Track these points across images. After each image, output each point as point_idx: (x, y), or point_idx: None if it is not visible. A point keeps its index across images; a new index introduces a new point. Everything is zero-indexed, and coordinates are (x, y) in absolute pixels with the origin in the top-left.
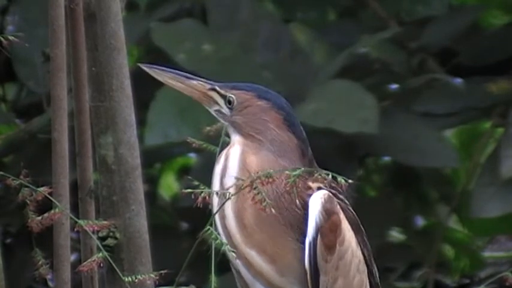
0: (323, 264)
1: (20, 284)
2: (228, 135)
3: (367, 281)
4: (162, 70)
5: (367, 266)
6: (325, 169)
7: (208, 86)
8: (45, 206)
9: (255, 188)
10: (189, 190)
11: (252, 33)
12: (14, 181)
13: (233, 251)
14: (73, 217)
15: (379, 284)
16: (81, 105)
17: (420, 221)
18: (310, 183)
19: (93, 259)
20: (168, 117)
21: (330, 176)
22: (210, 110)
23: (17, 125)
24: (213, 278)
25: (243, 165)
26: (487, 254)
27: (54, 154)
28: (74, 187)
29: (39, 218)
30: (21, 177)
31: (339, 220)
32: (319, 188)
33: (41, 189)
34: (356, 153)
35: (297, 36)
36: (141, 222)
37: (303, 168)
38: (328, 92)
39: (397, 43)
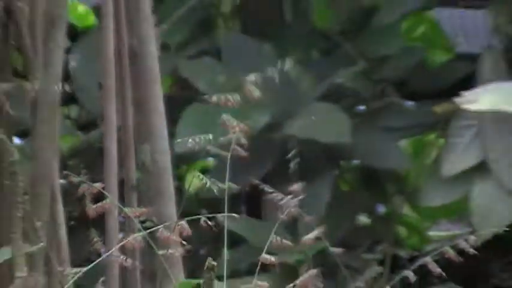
0: None
1: (81, 256)
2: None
3: None
4: None
5: None
6: (310, 170)
7: None
8: (99, 197)
9: None
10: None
11: (255, 67)
12: (76, 178)
13: None
14: (120, 206)
15: None
16: (126, 122)
17: (381, 209)
18: None
19: (134, 237)
20: (192, 131)
21: None
22: None
23: (79, 137)
24: (225, 251)
25: None
26: (431, 233)
27: (106, 158)
28: (121, 183)
29: (95, 206)
30: (81, 175)
31: None
32: None
33: (96, 184)
34: (333, 158)
35: (289, 70)
36: (171, 210)
37: None
38: (313, 112)
39: (364, 75)
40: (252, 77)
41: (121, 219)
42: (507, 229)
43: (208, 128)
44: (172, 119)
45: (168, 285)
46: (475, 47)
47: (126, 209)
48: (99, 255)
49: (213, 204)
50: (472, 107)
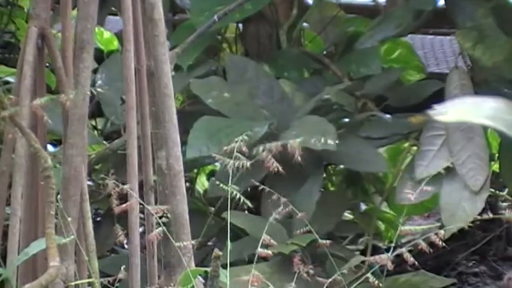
0: None
1: (106, 247)
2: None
3: None
4: None
5: None
6: (302, 173)
7: None
8: (122, 197)
9: None
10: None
11: (255, 85)
12: (102, 181)
13: None
14: (142, 201)
15: None
16: (145, 132)
17: (363, 206)
18: None
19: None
20: (201, 140)
21: None
22: None
23: (104, 145)
24: (229, 243)
25: None
26: (406, 227)
27: (128, 164)
28: (141, 185)
29: (122, 205)
30: (107, 178)
31: None
32: None
33: (121, 186)
34: (322, 163)
35: (284, 88)
36: (184, 207)
37: None
38: (304, 124)
39: (348, 92)
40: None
41: (141, 215)
42: (471, 224)
43: (215, 137)
44: (185, 130)
45: (180, 273)
46: (443, 68)
47: (147, 207)
48: (122, 247)
49: (218, 202)
50: (442, 118)
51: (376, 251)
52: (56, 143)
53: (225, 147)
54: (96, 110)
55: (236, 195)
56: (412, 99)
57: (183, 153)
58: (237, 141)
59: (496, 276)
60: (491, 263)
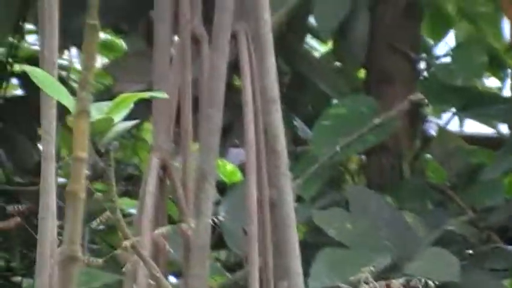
0: None
1: None
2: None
3: None
4: None
5: None
6: None
7: None
8: None
9: None
10: None
11: (378, 217)
12: None
13: None
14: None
15: None
16: (267, 262)
17: None
18: None
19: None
20: (324, 271)
21: None
22: None
23: (227, 276)
24: None
25: None
26: None
27: None
28: None
29: None
30: None
31: None
32: None
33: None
34: None
35: (407, 219)
36: None
37: None
38: (427, 255)
39: (472, 223)
40: None
41: None
42: None
43: (338, 269)
44: (306, 261)
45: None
46: None
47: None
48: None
49: None
50: None
51: None
52: (178, 273)
53: (352, 277)
54: (219, 241)
55: None
56: None
57: (306, 285)
58: (363, 273)
59: None
60: None
